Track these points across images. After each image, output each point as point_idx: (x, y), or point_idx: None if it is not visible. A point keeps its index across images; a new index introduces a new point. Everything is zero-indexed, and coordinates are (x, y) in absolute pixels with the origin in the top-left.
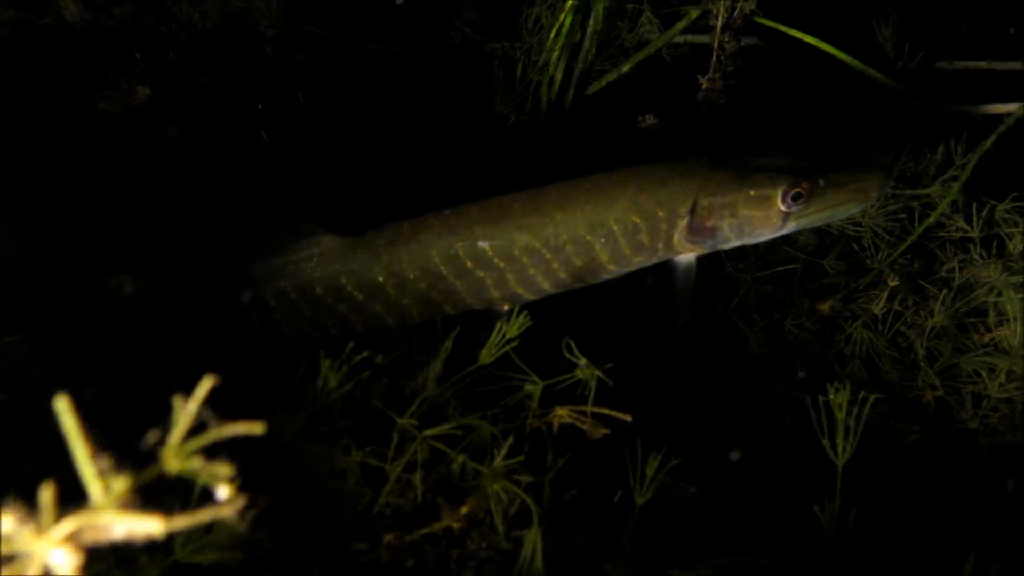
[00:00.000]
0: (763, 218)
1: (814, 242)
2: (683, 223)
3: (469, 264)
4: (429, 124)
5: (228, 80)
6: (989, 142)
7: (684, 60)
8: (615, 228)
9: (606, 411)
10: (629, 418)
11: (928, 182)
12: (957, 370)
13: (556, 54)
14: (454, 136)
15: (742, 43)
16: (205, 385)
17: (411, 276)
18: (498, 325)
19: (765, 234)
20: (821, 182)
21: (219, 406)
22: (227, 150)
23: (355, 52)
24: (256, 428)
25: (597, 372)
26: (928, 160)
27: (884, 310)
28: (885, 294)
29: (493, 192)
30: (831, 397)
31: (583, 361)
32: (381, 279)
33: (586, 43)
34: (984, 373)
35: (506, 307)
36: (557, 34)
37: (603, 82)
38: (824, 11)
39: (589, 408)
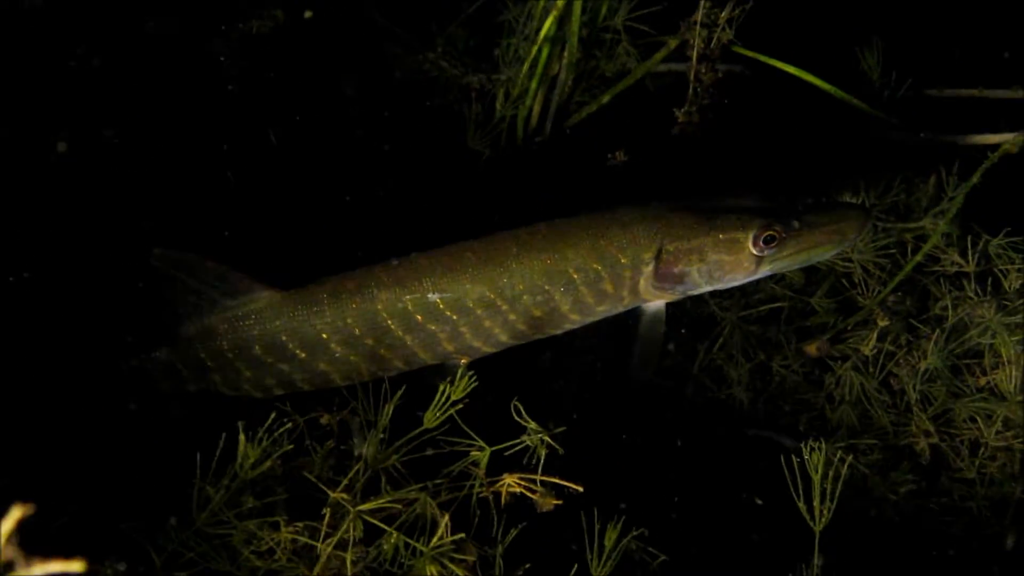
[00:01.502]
0: (734, 262)
1: (801, 279)
2: (648, 269)
3: (419, 318)
4: (398, 163)
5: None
6: (975, 177)
7: (666, 89)
8: (575, 276)
9: (556, 480)
10: (580, 488)
11: (920, 214)
12: (952, 415)
13: (534, 85)
14: (423, 176)
15: (720, 73)
16: (13, 516)
17: (357, 332)
18: (441, 387)
19: (738, 278)
20: (795, 224)
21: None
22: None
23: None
24: (75, 566)
25: (546, 437)
26: (920, 192)
27: (875, 351)
28: (875, 334)
29: (464, 234)
30: (806, 457)
31: (532, 425)
32: (325, 336)
33: (562, 75)
34: (980, 419)
35: (463, 360)
36: (533, 65)
37: (583, 114)
38: (807, 39)
39: (539, 476)
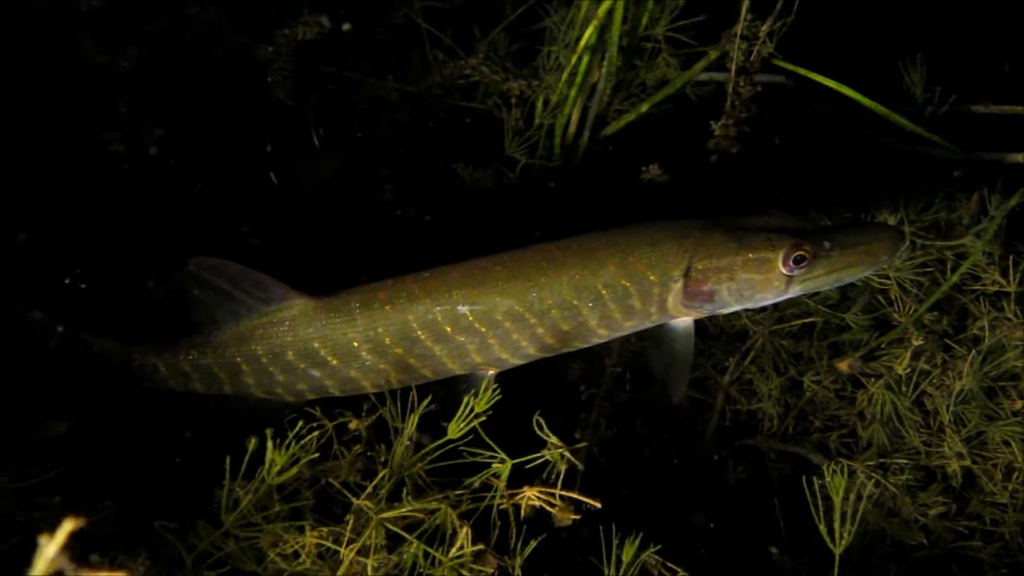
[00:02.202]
0: (764, 282)
1: (836, 294)
2: (677, 287)
3: (448, 329)
4: (436, 169)
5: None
6: (1017, 197)
7: (708, 98)
8: (604, 292)
9: (575, 495)
10: (599, 504)
11: (961, 232)
12: (985, 438)
13: (573, 94)
14: (462, 183)
15: (758, 87)
16: (65, 529)
17: (387, 341)
18: (465, 399)
19: (768, 298)
20: (826, 244)
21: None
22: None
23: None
24: None
25: (566, 452)
26: (961, 209)
27: (908, 369)
28: (908, 353)
29: (499, 243)
30: (827, 480)
31: (553, 439)
32: (356, 344)
33: (601, 83)
34: (1015, 443)
35: (491, 371)
36: (572, 74)
37: (621, 123)
38: (848, 54)
39: (558, 491)
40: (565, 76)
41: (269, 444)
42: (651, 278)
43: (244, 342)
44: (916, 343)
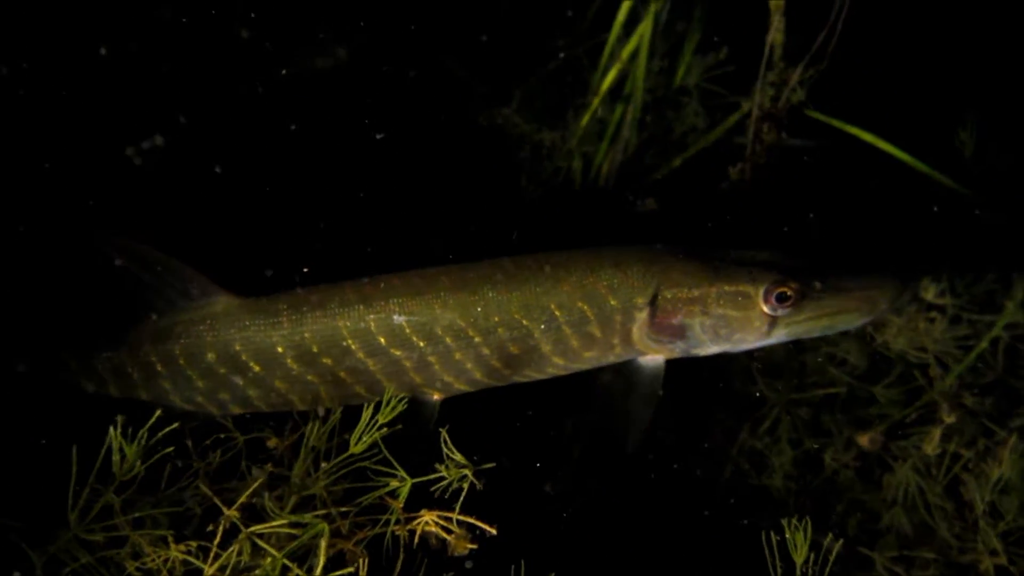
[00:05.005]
0: (743, 320)
1: (864, 364)
2: (642, 316)
3: (383, 340)
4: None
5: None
6: None
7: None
8: (558, 314)
9: (471, 519)
10: (494, 530)
11: (1016, 308)
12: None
13: (604, 146)
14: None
15: (784, 134)
16: None
17: (315, 349)
18: (368, 409)
19: (748, 340)
20: (817, 285)
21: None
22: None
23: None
24: None
25: (468, 472)
26: (1018, 282)
27: (939, 451)
28: (939, 432)
29: None
30: (787, 537)
31: (457, 456)
32: (280, 349)
33: (625, 131)
34: None
35: (435, 396)
36: (594, 120)
37: (655, 176)
38: (894, 113)
39: (455, 515)
40: (585, 119)
41: (112, 431)
42: (612, 303)
43: (162, 340)
44: (948, 420)
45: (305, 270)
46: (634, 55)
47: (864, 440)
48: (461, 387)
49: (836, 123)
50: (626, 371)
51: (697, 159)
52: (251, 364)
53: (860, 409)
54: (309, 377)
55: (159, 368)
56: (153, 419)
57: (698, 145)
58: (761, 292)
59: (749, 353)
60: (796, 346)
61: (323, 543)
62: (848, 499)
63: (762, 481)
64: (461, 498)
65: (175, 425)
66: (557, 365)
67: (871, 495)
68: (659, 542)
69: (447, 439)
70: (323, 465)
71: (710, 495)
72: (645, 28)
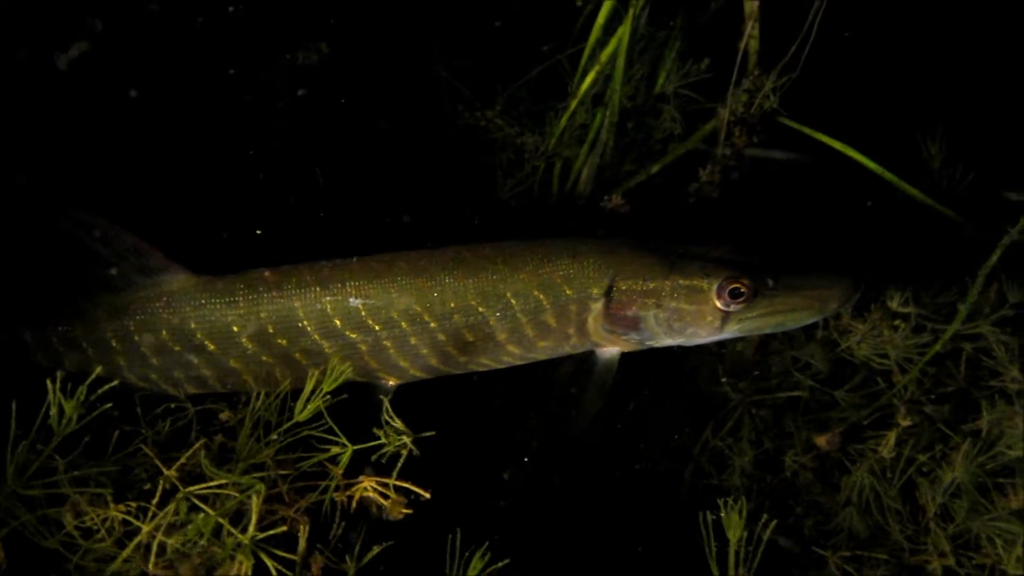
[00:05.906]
0: (696, 314)
1: (827, 368)
2: (597, 307)
3: (338, 323)
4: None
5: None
6: None
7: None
8: (513, 302)
9: (408, 484)
10: (428, 494)
11: (980, 320)
12: (972, 536)
13: (584, 150)
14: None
15: (755, 139)
16: None
17: (270, 329)
18: (314, 376)
19: (701, 334)
20: (769, 282)
21: None
22: None
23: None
24: None
25: (407, 440)
26: (982, 295)
27: (894, 454)
28: (894, 435)
29: None
30: (722, 516)
31: (397, 423)
32: (236, 328)
33: (603, 134)
34: (999, 543)
35: (391, 382)
36: (571, 123)
37: (631, 183)
38: (862, 123)
39: (392, 481)
40: (562, 122)
41: (49, 384)
42: (567, 292)
43: (117, 316)
44: (903, 423)
45: (258, 232)
46: (613, 57)
47: (822, 441)
48: (417, 373)
49: (807, 131)
50: (586, 363)
51: (675, 166)
52: (206, 343)
53: (821, 412)
54: (264, 357)
55: (114, 344)
56: (92, 376)
57: (676, 152)
58: (715, 287)
59: (716, 354)
60: (761, 348)
61: (256, 500)
62: (807, 501)
63: (722, 481)
64: (399, 463)
65: (115, 383)
66: (513, 354)
67: (828, 496)
68: (607, 526)
69: (388, 408)
70: (272, 437)
71: (672, 492)
72: (624, 30)
